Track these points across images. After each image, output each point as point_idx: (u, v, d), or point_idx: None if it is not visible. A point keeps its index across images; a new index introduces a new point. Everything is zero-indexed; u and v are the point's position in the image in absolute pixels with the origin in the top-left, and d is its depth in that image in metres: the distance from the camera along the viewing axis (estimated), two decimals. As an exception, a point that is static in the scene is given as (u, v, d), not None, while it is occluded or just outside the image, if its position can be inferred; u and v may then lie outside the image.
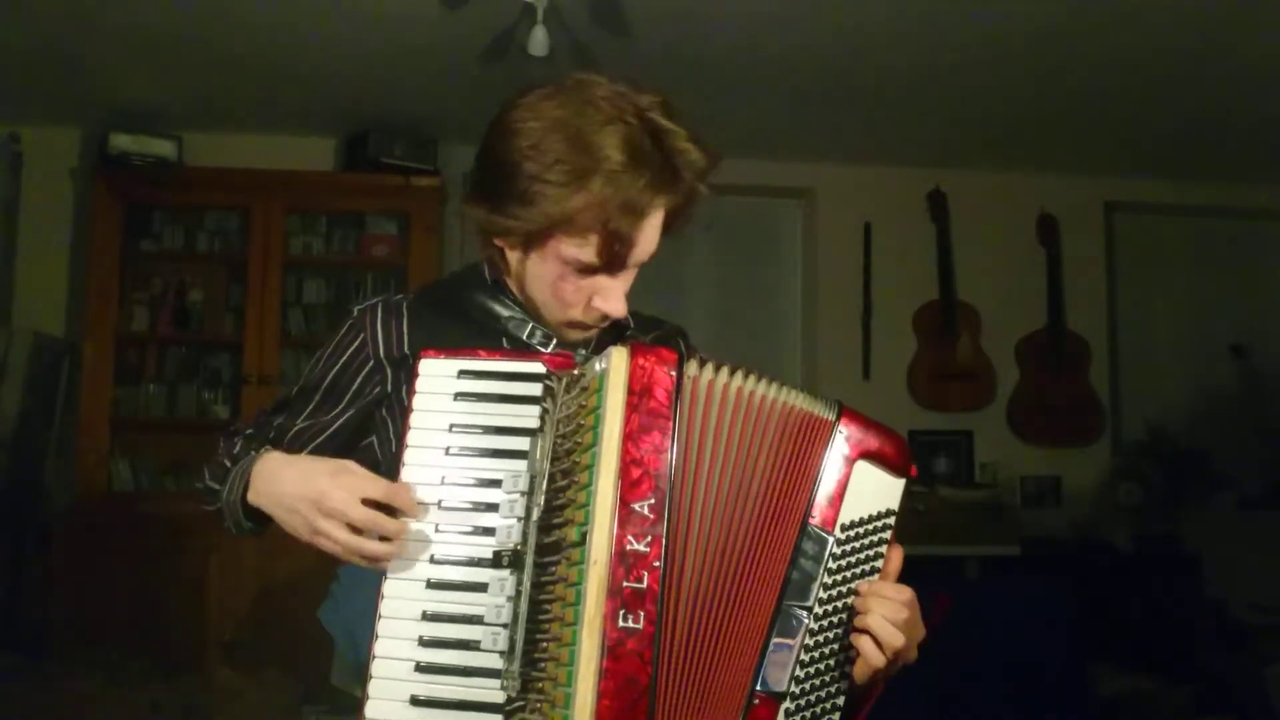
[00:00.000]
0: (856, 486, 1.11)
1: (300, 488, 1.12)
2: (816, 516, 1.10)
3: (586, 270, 1.19)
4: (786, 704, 1.07)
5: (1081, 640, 3.86)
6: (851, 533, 1.11)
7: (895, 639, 1.08)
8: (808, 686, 1.08)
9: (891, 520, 1.13)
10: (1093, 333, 4.95)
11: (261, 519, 1.23)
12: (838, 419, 1.13)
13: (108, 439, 4.15)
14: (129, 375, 4.30)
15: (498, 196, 1.18)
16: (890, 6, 3.31)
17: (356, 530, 1.09)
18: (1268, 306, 5.19)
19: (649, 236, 1.19)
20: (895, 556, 1.14)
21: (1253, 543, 4.45)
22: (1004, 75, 3.82)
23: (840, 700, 1.10)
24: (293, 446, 1.29)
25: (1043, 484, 4.88)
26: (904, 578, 1.16)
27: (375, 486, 1.09)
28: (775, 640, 1.08)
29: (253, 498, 1.20)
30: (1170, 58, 3.65)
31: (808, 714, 1.08)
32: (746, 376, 1.11)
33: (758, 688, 1.07)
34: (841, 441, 1.12)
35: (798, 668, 1.08)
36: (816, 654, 1.09)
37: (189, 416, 4.33)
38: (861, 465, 1.12)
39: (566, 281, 1.21)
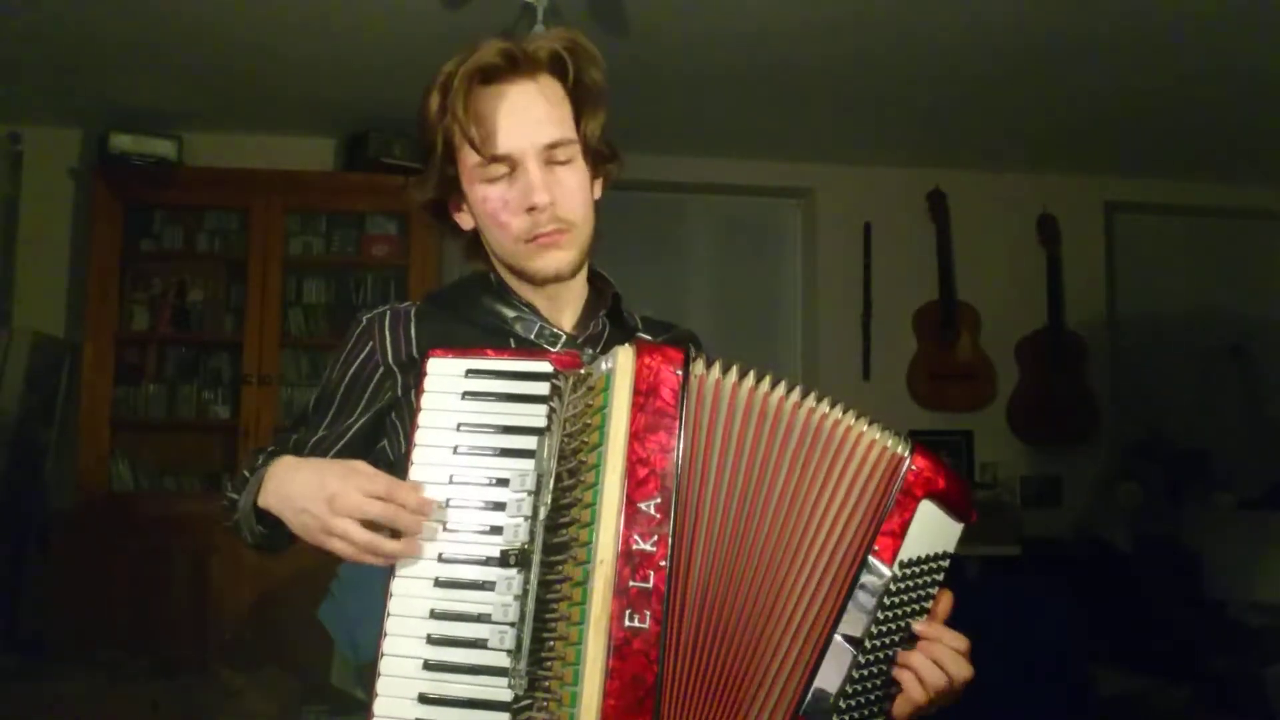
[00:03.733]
0: (919, 524, 1.11)
1: (311, 489, 1.12)
2: (878, 549, 1.10)
3: (491, 173, 1.26)
4: None
5: (1081, 640, 3.86)
6: (909, 570, 1.11)
7: (939, 681, 1.10)
8: (849, 709, 1.08)
9: (946, 563, 1.13)
10: (1092, 333, 4.95)
11: (274, 526, 1.22)
12: (910, 454, 1.12)
13: (108, 439, 4.15)
14: (129, 375, 4.29)
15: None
16: (890, 7, 3.31)
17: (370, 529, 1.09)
18: (1268, 306, 5.19)
19: (515, 111, 1.25)
20: (945, 599, 1.14)
21: (1253, 543, 4.45)
22: (1004, 76, 3.83)
23: None
24: (313, 456, 1.29)
25: (1043, 484, 4.88)
26: None
27: (381, 485, 1.09)
28: (825, 665, 1.08)
29: (262, 500, 1.20)
30: (1170, 58, 3.65)
31: None
32: (759, 378, 1.11)
33: (802, 710, 1.07)
34: (912, 477, 1.11)
35: (842, 698, 1.08)
36: (861, 686, 1.09)
37: (189, 416, 4.32)
38: (926, 504, 1.12)
39: (492, 201, 1.27)
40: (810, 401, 1.12)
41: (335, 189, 4.37)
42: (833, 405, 1.12)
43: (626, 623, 1.01)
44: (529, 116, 1.24)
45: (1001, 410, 4.89)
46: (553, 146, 1.24)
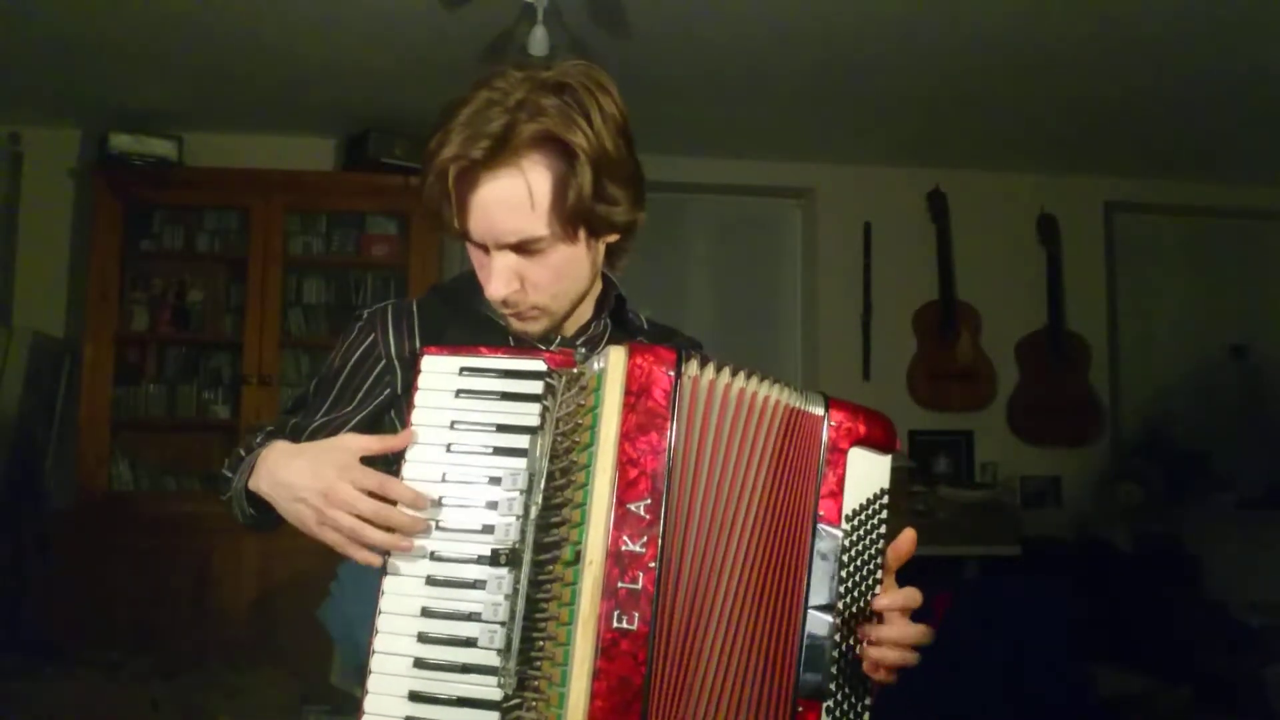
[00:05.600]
0: (853, 474, 1.11)
1: (307, 479, 1.12)
2: (824, 514, 1.10)
3: (471, 244, 1.23)
4: (828, 702, 1.08)
5: (1081, 640, 3.86)
6: (855, 521, 1.11)
7: (909, 660, 1.09)
8: (840, 680, 1.09)
9: (886, 499, 1.13)
10: (1093, 333, 4.95)
11: (264, 508, 1.22)
12: (826, 411, 1.12)
13: (108, 439, 4.15)
14: (129, 375, 4.29)
15: None
16: (891, 8, 3.31)
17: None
18: (1268, 306, 5.19)
19: (486, 206, 1.18)
20: (904, 542, 1.14)
21: (1253, 543, 4.45)
22: (1004, 76, 3.82)
23: (869, 687, 1.11)
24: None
25: (1043, 484, 4.88)
26: (905, 578, 1.16)
27: (375, 480, 1.10)
28: (807, 644, 1.08)
29: (253, 484, 1.20)
30: (1170, 59, 3.65)
31: (844, 706, 1.09)
32: (748, 377, 1.10)
33: (800, 694, 1.07)
34: (833, 433, 1.12)
35: (833, 665, 1.08)
36: (843, 647, 1.09)
37: (189, 416, 4.32)
38: (854, 452, 1.12)
39: (475, 261, 1.25)
40: (780, 392, 1.11)
41: (335, 189, 4.37)
42: (761, 381, 1.11)
43: (615, 624, 1.01)
44: (498, 213, 1.18)
45: (1001, 410, 4.89)
46: (518, 245, 1.20)
